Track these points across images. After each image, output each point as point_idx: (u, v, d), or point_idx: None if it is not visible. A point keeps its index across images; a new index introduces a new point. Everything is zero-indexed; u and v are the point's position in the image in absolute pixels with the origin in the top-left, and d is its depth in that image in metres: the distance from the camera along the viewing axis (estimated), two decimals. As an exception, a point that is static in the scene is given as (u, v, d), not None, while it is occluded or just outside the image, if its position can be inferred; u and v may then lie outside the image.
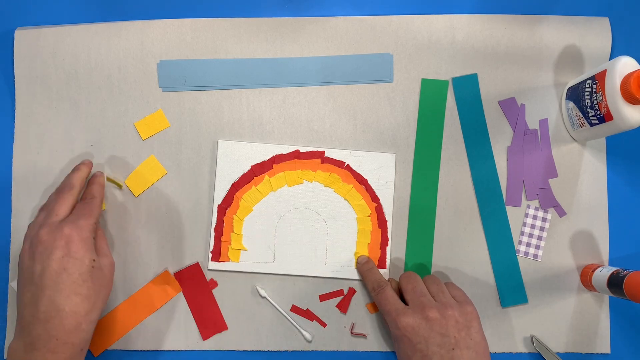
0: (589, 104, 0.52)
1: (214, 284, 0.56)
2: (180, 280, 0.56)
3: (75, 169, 0.53)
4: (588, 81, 0.53)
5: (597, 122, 0.52)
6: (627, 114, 0.49)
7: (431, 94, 0.58)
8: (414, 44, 0.58)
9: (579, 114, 0.54)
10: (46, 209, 0.50)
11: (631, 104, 0.49)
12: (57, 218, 0.48)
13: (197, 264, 0.56)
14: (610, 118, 0.50)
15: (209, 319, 0.56)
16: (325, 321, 0.56)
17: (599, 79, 0.51)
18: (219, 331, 0.56)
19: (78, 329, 0.45)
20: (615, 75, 0.49)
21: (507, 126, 0.58)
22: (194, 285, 0.56)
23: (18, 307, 0.47)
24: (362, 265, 0.55)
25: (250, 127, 0.58)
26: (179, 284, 0.56)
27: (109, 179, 0.56)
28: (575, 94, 0.55)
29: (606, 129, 0.52)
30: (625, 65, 0.50)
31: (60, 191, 0.50)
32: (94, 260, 0.46)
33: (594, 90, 0.51)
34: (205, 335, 0.56)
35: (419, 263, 0.57)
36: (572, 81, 0.57)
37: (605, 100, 0.50)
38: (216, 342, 0.56)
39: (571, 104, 0.56)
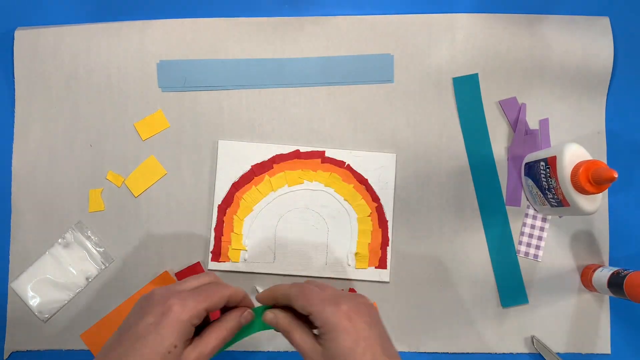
0: (546, 187, 0.51)
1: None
2: (181, 279, 0.56)
3: (231, 288, 0.44)
4: (542, 163, 0.51)
5: (556, 204, 0.51)
6: (581, 204, 0.48)
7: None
8: (414, 43, 0.58)
9: (539, 192, 0.53)
10: (186, 280, 0.44)
11: (582, 194, 0.48)
12: (180, 287, 0.42)
13: (198, 263, 0.56)
14: (567, 204, 0.50)
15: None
16: (326, 321, 0.56)
17: (551, 164, 0.50)
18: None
19: None
20: (564, 164, 0.48)
21: (507, 126, 0.58)
22: (194, 285, 0.56)
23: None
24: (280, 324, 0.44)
25: (250, 127, 0.57)
26: (179, 284, 0.56)
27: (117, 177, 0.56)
28: (532, 173, 0.54)
29: (568, 211, 0.51)
30: (573, 155, 0.48)
31: (214, 283, 0.44)
32: (175, 346, 0.39)
33: (549, 174, 0.50)
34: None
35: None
36: (528, 157, 0.55)
37: (560, 187, 0.49)
38: (216, 342, 0.56)
39: (530, 182, 0.54)
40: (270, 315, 0.44)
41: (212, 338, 0.42)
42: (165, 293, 0.41)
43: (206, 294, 0.42)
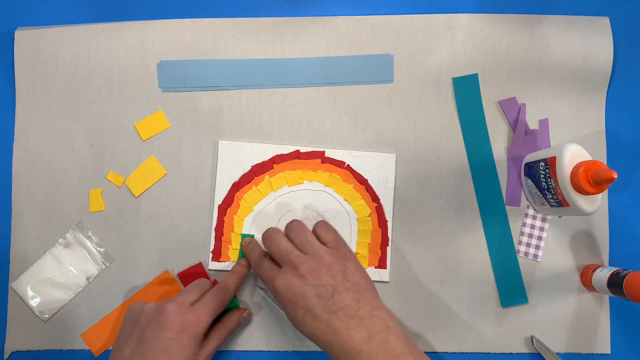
0: (546, 187, 0.51)
1: (214, 284, 0.56)
2: (184, 280, 0.56)
3: (233, 271, 0.54)
4: (541, 163, 0.51)
5: (555, 205, 0.52)
6: (581, 204, 0.48)
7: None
8: (414, 44, 0.58)
9: (539, 193, 0.53)
10: (189, 292, 0.51)
11: (582, 194, 0.48)
12: (189, 301, 0.49)
13: (200, 264, 0.56)
14: (567, 204, 0.50)
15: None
16: (326, 321, 0.56)
17: (550, 165, 0.50)
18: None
19: None
20: (564, 165, 0.48)
21: (507, 126, 0.58)
22: (195, 285, 0.56)
23: (114, 350, 0.49)
24: (246, 246, 0.55)
25: (250, 127, 0.58)
26: (184, 283, 0.56)
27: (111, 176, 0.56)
28: (531, 173, 0.54)
29: (568, 211, 0.51)
30: (572, 155, 0.48)
31: (216, 289, 0.51)
32: (193, 354, 0.47)
33: (548, 175, 0.50)
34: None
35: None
36: (528, 157, 0.55)
37: (559, 188, 0.49)
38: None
39: (530, 182, 0.54)
40: (246, 245, 0.55)
41: (217, 338, 0.51)
42: (178, 310, 0.48)
43: (214, 308, 0.50)
